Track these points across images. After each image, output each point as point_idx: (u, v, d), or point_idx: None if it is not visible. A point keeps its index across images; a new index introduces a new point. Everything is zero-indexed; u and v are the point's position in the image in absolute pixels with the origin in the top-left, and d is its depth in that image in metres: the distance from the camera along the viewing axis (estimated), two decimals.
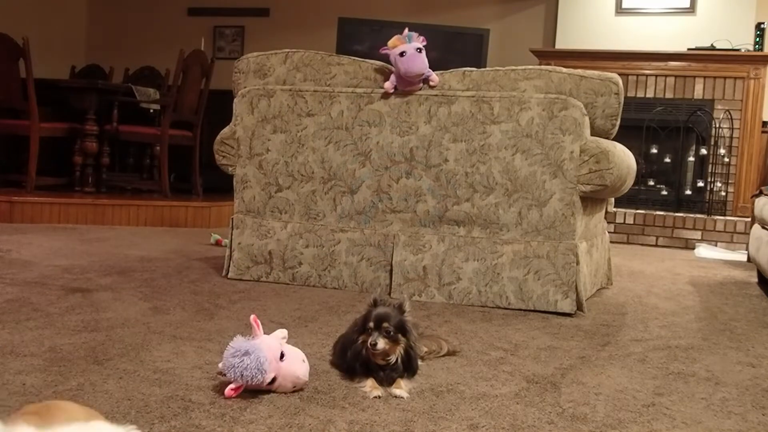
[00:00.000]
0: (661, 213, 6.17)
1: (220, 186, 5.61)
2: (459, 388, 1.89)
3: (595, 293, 3.37)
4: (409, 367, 1.90)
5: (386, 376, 1.85)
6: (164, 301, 2.70)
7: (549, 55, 6.60)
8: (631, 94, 6.38)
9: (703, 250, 5.62)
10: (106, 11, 8.33)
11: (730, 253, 5.58)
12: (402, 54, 3.00)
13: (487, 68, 3.09)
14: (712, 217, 6.04)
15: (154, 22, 8.17)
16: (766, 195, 4.02)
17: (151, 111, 6.34)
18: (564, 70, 3.03)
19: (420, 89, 3.08)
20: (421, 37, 3.04)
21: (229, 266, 3.30)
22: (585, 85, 2.97)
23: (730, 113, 6.26)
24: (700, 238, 5.99)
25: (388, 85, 3.09)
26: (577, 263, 2.90)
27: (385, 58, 3.12)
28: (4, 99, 5.39)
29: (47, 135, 5.48)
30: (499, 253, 2.99)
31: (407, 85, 3.06)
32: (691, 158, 6.46)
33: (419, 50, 3.00)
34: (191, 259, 3.77)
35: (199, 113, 6.14)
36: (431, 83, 3.07)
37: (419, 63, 3.00)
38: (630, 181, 3.36)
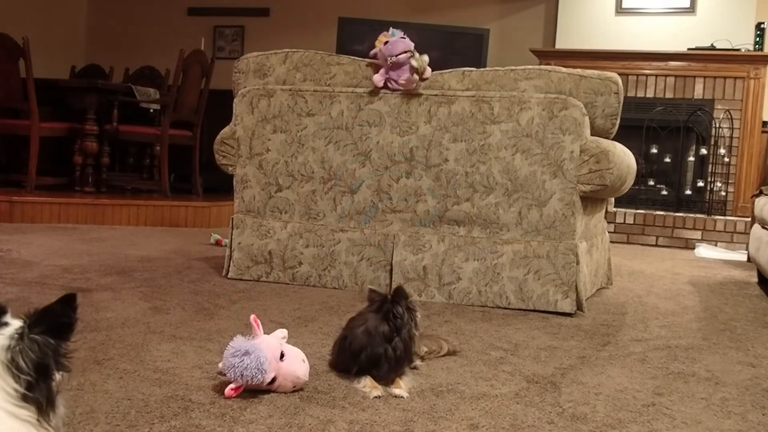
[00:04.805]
0: (661, 213, 6.17)
1: (220, 186, 5.61)
2: (459, 388, 1.89)
3: (595, 293, 3.37)
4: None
5: (388, 370, 1.84)
6: (164, 301, 2.70)
7: (549, 55, 6.60)
8: (631, 94, 6.38)
9: (703, 250, 5.62)
10: (106, 11, 8.33)
11: (730, 253, 5.58)
12: (386, 44, 3.05)
13: (487, 68, 3.09)
14: (712, 217, 6.04)
15: (154, 22, 8.17)
16: (766, 195, 4.02)
17: (151, 111, 6.34)
18: (564, 69, 3.02)
19: (415, 87, 3.06)
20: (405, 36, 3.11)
21: (229, 266, 3.30)
22: (585, 85, 2.97)
23: (730, 113, 6.26)
24: (700, 238, 5.99)
25: (378, 78, 3.09)
26: (577, 263, 2.90)
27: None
28: (4, 99, 5.39)
29: (47, 135, 5.47)
30: (499, 253, 2.99)
31: (400, 76, 3.05)
32: (691, 158, 6.46)
33: (402, 37, 3.06)
34: (191, 259, 3.77)
35: (199, 113, 6.14)
36: (425, 76, 3.06)
37: (400, 44, 3.04)
38: (630, 181, 3.36)
